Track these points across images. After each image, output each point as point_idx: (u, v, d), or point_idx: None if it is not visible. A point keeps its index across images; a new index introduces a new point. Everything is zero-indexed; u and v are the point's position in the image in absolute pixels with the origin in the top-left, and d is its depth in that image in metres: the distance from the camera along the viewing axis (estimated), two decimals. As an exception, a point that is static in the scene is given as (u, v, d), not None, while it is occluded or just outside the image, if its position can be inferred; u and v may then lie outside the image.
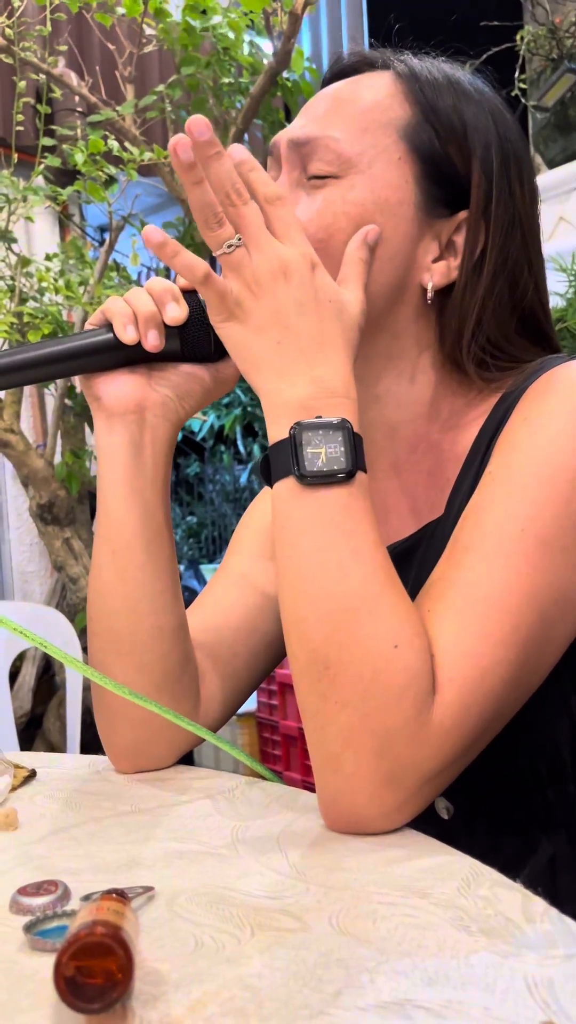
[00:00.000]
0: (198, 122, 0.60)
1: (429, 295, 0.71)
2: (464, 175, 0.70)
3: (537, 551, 0.59)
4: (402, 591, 0.59)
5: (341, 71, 0.75)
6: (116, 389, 0.70)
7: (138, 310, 0.69)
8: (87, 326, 0.71)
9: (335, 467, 0.59)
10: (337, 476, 0.59)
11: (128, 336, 0.68)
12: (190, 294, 0.71)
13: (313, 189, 0.69)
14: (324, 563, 0.58)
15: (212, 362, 0.73)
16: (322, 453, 0.59)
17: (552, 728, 0.70)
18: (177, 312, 0.69)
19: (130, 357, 0.70)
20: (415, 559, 0.73)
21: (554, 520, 0.60)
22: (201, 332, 0.70)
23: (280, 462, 0.61)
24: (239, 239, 0.62)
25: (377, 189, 0.68)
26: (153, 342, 0.68)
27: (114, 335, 0.69)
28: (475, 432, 0.72)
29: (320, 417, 0.60)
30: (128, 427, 0.70)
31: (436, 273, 0.71)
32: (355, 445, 0.60)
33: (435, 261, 0.71)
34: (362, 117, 0.70)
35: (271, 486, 0.62)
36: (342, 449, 0.59)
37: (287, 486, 0.60)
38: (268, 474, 0.62)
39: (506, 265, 0.72)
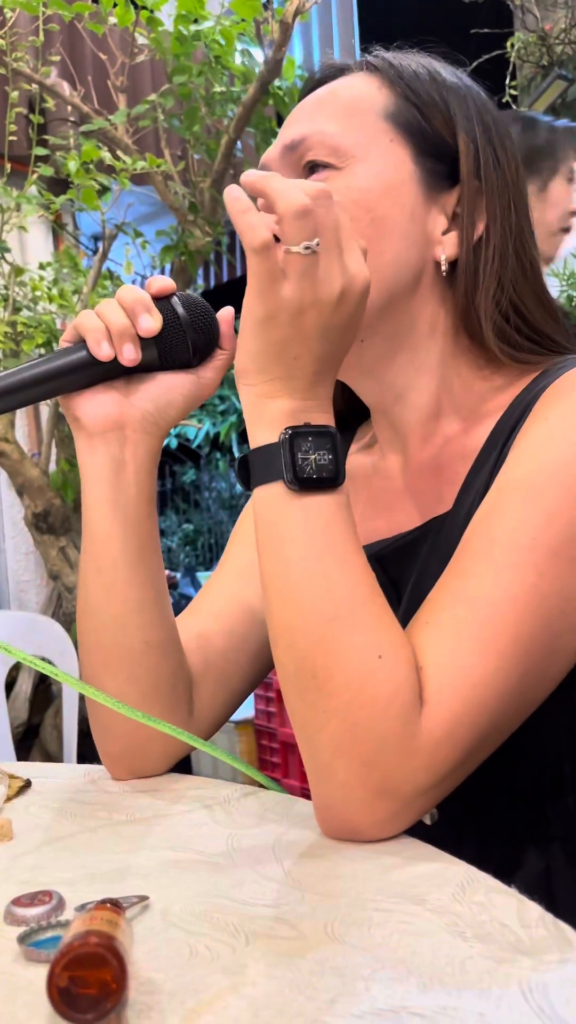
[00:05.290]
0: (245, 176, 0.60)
1: (443, 267, 0.71)
2: (454, 147, 0.71)
3: (546, 561, 0.58)
4: (383, 601, 0.59)
5: (319, 82, 0.76)
6: (94, 408, 0.69)
7: (111, 324, 0.67)
8: (60, 342, 0.69)
9: (324, 474, 0.58)
10: (326, 482, 0.58)
11: (103, 353, 0.67)
12: (163, 301, 0.69)
13: None
14: (311, 571, 0.58)
15: (192, 368, 0.71)
16: (312, 460, 0.59)
17: (555, 739, 0.69)
18: (151, 324, 0.67)
19: (107, 372, 0.69)
20: (420, 552, 0.72)
21: (566, 528, 0.58)
22: (178, 339, 0.69)
23: (267, 466, 0.59)
24: (318, 243, 0.57)
25: (378, 173, 0.69)
26: (129, 356, 0.67)
27: (88, 352, 0.67)
28: (490, 426, 0.70)
29: (309, 424, 0.59)
30: (109, 446, 0.69)
31: (448, 245, 0.72)
32: (340, 455, 0.59)
33: (444, 233, 0.72)
34: (345, 108, 0.71)
35: (248, 489, 0.61)
36: (330, 457, 0.59)
37: (273, 492, 0.59)
38: (246, 478, 0.62)
39: (507, 230, 0.72)
